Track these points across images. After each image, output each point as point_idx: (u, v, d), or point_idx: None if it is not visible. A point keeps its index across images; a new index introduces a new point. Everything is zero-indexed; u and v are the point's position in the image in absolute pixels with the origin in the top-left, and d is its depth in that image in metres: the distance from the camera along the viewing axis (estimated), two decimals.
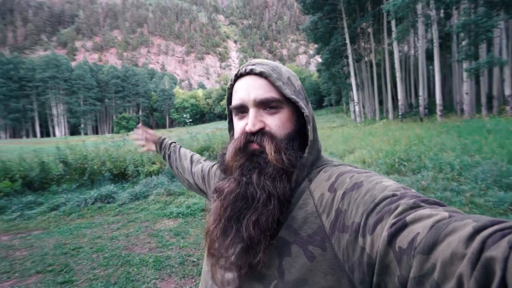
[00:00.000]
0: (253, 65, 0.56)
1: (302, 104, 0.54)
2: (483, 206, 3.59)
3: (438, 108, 15.60)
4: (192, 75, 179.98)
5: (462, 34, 14.18)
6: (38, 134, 66.05)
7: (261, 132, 0.54)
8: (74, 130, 70.02)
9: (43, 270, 2.83)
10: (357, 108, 24.46)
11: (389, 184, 0.42)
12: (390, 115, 21.65)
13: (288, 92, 0.53)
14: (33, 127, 67.91)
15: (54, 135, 65.90)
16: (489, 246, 0.24)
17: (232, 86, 0.60)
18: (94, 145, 7.38)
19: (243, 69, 0.56)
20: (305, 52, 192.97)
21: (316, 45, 30.25)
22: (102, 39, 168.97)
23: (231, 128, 0.67)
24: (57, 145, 6.59)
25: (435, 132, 9.29)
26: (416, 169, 5.35)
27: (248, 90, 0.55)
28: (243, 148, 0.55)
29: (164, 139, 1.15)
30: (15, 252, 3.33)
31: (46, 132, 68.68)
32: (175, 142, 1.14)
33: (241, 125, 0.56)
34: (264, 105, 0.54)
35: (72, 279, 2.63)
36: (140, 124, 1.22)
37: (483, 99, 15.24)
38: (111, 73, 76.66)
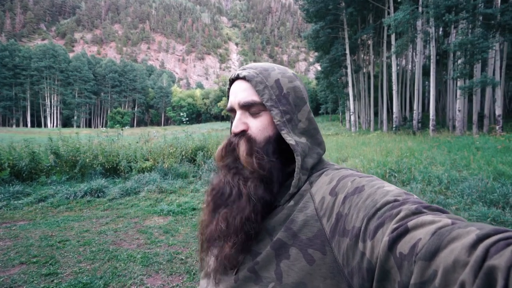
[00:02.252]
0: (243, 69, 0.58)
1: (277, 110, 0.54)
2: (467, 220, 3.68)
3: (431, 123, 15.91)
4: (191, 74, 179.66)
5: (458, 53, 14.55)
6: (29, 123, 64.80)
7: (242, 133, 0.56)
8: (66, 122, 68.93)
9: (27, 261, 2.79)
10: (352, 117, 24.75)
11: (391, 189, 0.41)
12: (385, 127, 21.96)
13: (265, 97, 0.54)
14: (24, 116, 66.54)
15: (46, 125, 64.76)
16: (492, 255, 0.24)
17: (228, 90, 0.63)
18: (87, 138, 7.31)
19: (235, 74, 0.59)
20: (305, 59, 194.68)
21: (316, 53, 30.62)
22: (102, 32, 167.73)
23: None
24: (49, 135, 6.51)
25: (427, 146, 9.48)
26: (405, 180, 5.45)
27: (235, 94, 0.58)
28: (227, 149, 0.57)
29: None
30: None
31: (37, 122, 67.44)
32: None
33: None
34: (247, 108, 0.56)
35: (57, 272, 2.60)
36: None
37: (475, 117, 15.60)
38: (109, 67, 76.01)
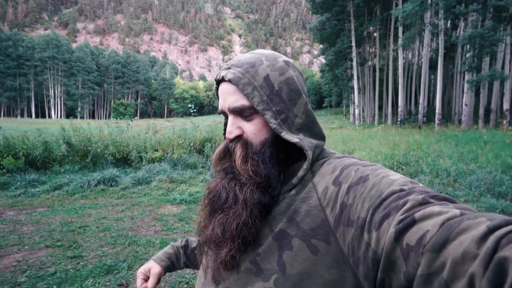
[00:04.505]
0: (228, 68, 0.54)
1: (270, 113, 0.51)
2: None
3: (437, 116, 15.83)
4: (194, 66, 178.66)
5: (467, 46, 14.34)
6: (33, 114, 65.17)
7: (238, 138, 0.54)
8: (70, 113, 69.12)
9: (52, 245, 2.92)
10: (357, 111, 24.65)
11: (396, 178, 0.40)
12: (389, 121, 21.87)
13: (256, 100, 0.51)
14: (29, 107, 66.85)
15: (50, 116, 65.17)
16: (503, 246, 0.23)
17: (217, 89, 0.59)
18: (97, 128, 7.41)
19: (219, 75, 0.55)
20: (309, 52, 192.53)
21: (321, 46, 30.30)
22: (104, 22, 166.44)
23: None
24: (62, 125, 6.62)
25: (434, 140, 9.49)
26: (413, 173, 5.51)
27: (224, 98, 0.54)
28: (225, 153, 0.56)
29: (170, 260, 0.78)
30: (22, 227, 3.40)
31: (41, 113, 67.75)
32: (178, 251, 0.81)
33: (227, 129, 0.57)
34: (239, 113, 0.53)
35: (81, 255, 2.72)
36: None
37: (481, 111, 15.49)
38: (112, 58, 75.72)
